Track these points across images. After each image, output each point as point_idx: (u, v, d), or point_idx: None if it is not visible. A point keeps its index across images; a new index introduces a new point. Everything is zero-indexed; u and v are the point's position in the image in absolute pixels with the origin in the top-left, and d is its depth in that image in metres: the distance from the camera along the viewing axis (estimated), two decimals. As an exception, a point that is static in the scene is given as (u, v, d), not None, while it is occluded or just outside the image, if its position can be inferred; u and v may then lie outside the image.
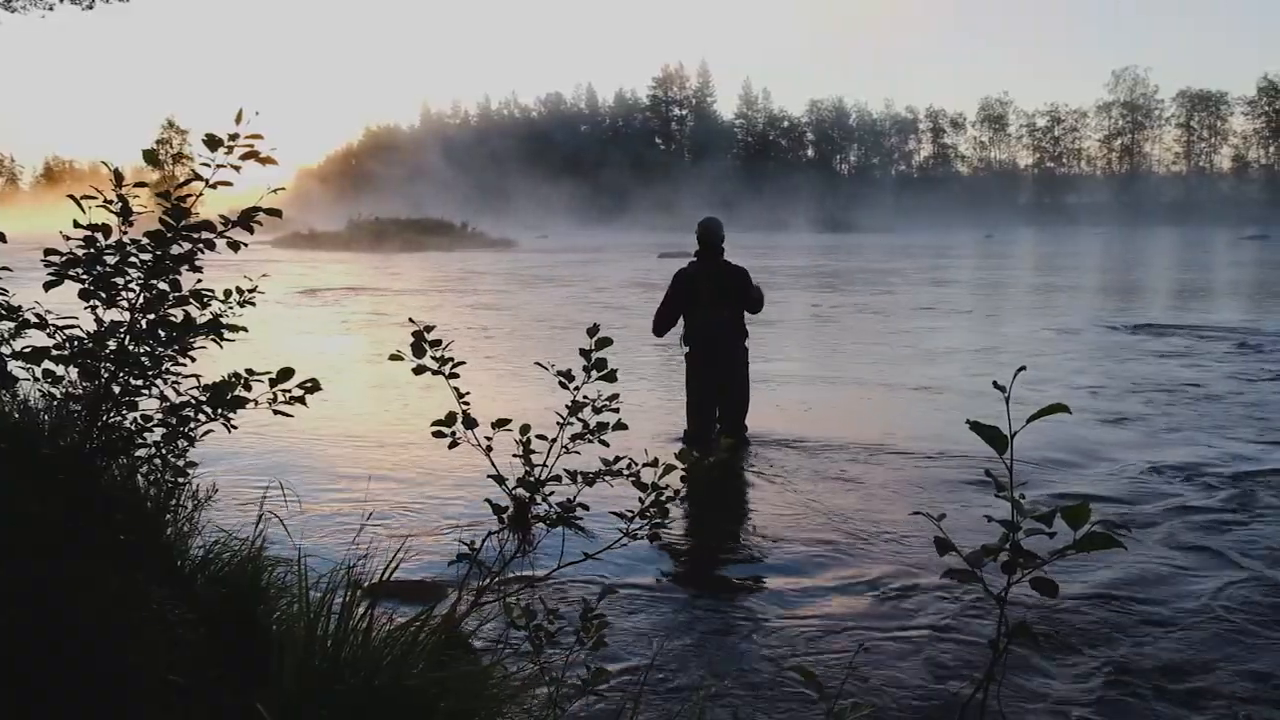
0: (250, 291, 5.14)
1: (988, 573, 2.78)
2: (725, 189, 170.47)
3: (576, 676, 4.37)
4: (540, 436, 4.41)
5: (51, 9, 20.28)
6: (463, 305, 32.95)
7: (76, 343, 4.56)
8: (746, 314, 12.09)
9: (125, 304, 4.59)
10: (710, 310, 11.81)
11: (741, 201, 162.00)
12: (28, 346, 4.60)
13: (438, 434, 4.51)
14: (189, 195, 4.54)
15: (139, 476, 5.24)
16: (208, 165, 4.36)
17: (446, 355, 4.50)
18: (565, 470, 4.43)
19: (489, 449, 4.40)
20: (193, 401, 4.86)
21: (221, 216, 4.59)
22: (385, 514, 8.67)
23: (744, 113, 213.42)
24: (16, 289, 5.06)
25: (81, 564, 3.73)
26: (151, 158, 5.22)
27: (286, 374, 4.73)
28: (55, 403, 5.11)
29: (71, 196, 4.41)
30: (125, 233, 4.54)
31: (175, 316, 4.66)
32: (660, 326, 12.15)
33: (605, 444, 4.41)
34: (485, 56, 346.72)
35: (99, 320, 4.59)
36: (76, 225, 4.47)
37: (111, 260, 4.51)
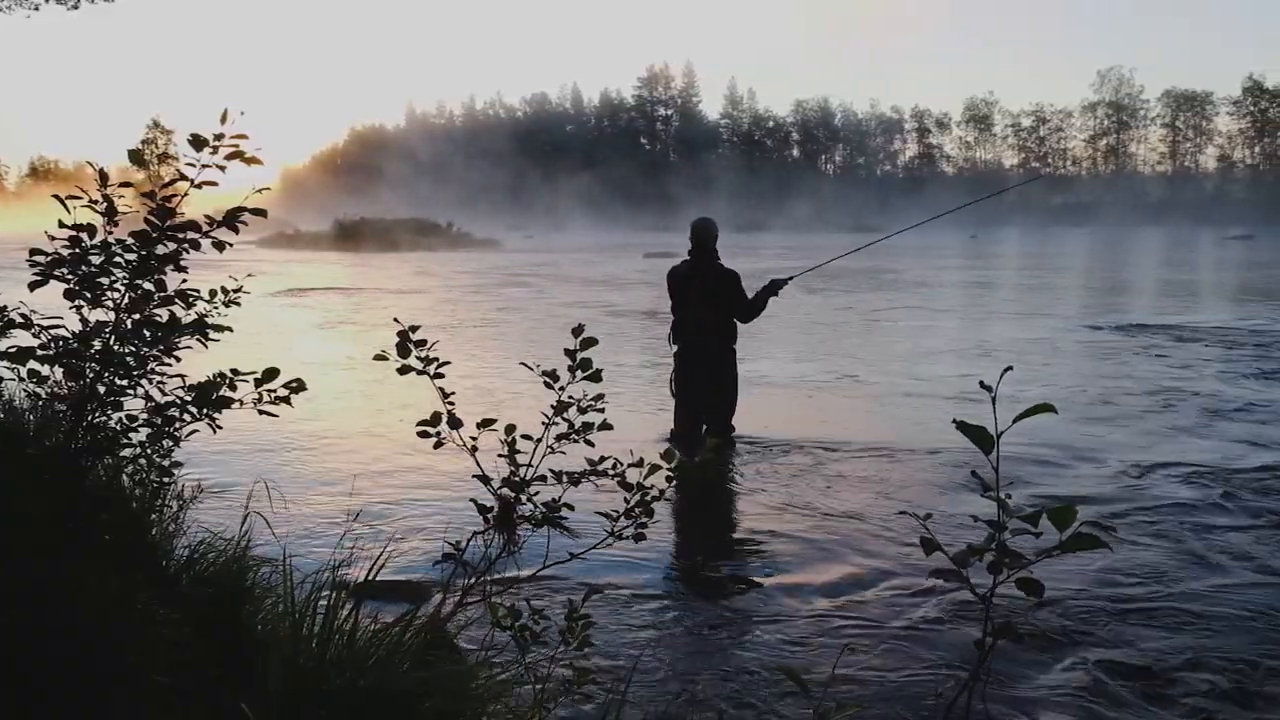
0: (235, 291, 5.13)
1: (974, 572, 2.78)
2: (712, 189, 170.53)
3: (562, 676, 4.38)
4: (526, 436, 4.41)
5: (37, 9, 20.22)
6: (449, 304, 32.91)
7: (61, 343, 4.55)
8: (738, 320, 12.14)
9: (110, 304, 4.58)
10: (698, 310, 11.87)
11: (730, 201, 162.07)
12: (13, 346, 4.59)
13: (423, 434, 4.51)
14: (174, 195, 4.53)
15: (124, 477, 5.23)
16: (193, 165, 4.35)
17: (431, 355, 4.50)
18: (550, 470, 4.43)
19: (474, 449, 4.40)
20: (178, 401, 4.85)
21: (207, 216, 4.58)
22: (370, 514, 8.65)
23: (729, 113, 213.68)
24: (1, 289, 5.06)
25: (80, 564, 3.73)
26: (136, 158, 5.22)
27: (271, 374, 4.73)
28: (40, 403, 5.10)
29: (56, 196, 4.40)
30: (110, 233, 4.54)
31: (160, 316, 4.66)
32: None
33: (590, 444, 4.42)
34: (471, 57, 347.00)
35: (84, 320, 4.59)
36: (61, 225, 4.46)
37: (96, 260, 4.50)
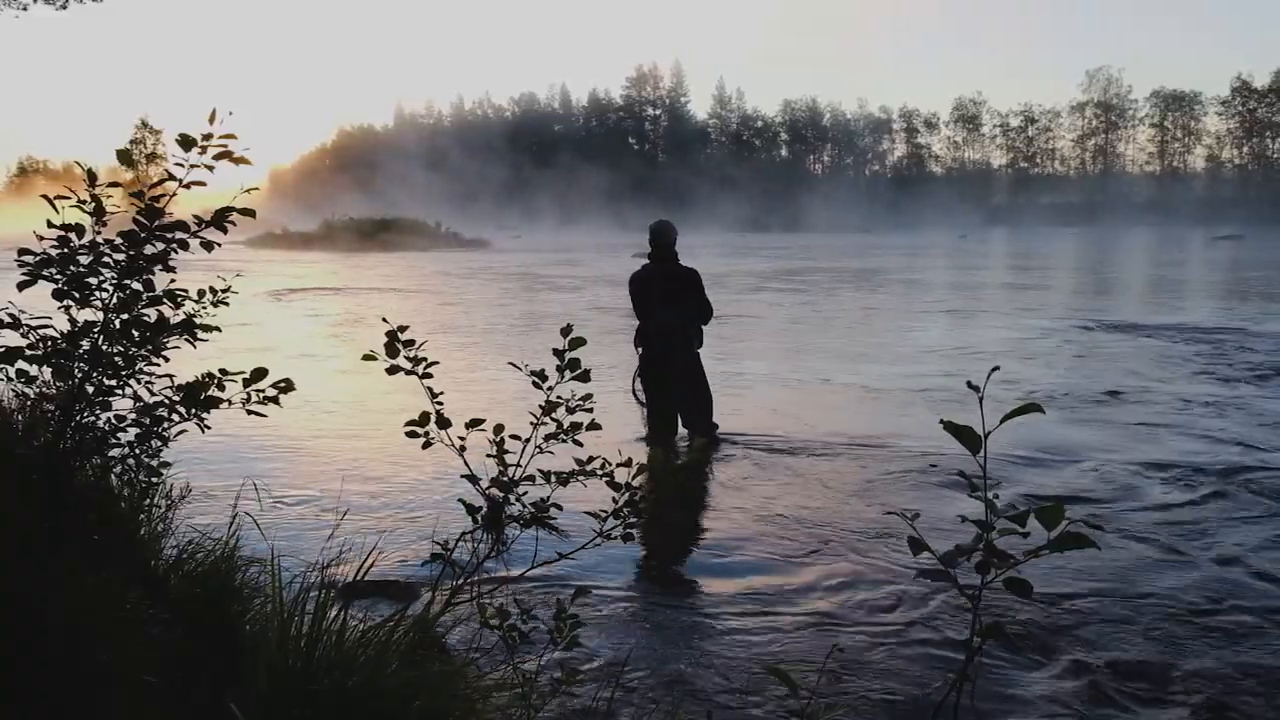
0: (224, 291, 5.12)
1: (962, 573, 2.79)
2: (699, 188, 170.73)
3: (550, 676, 4.38)
4: (514, 436, 4.41)
5: (25, 9, 20.20)
6: (437, 305, 32.89)
7: (50, 343, 4.54)
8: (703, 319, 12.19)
9: (99, 304, 4.57)
10: (659, 311, 11.92)
11: (717, 201, 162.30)
12: (1, 347, 4.58)
13: (411, 434, 4.51)
14: (162, 195, 4.53)
15: (112, 476, 5.23)
16: (181, 165, 4.35)
17: (420, 355, 4.50)
18: (539, 470, 4.43)
19: (463, 449, 4.40)
20: (166, 401, 4.85)
21: (195, 216, 4.58)
22: (359, 514, 8.65)
23: (718, 112, 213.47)
24: (-10, 289, 5.04)
25: (69, 564, 3.73)
26: (125, 158, 5.23)
27: (260, 374, 4.73)
28: (29, 403, 5.10)
29: (45, 196, 4.40)
30: (99, 233, 4.53)
31: (149, 316, 4.65)
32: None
33: (579, 444, 4.42)
34: (459, 56, 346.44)
35: (73, 320, 4.58)
36: (50, 225, 4.45)
37: (85, 260, 4.50)
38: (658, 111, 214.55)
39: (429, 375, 4.49)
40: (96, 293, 4.58)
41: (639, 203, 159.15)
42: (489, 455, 4.39)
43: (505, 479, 4.38)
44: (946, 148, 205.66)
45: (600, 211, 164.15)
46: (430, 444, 4.49)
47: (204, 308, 4.98)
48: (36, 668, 3.26)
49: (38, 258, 4.48)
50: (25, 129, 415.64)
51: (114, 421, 4.86)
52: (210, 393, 4.81)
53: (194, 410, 4.85)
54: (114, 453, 5.03)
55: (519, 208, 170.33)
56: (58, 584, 3.58)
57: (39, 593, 3.50)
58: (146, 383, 4.86)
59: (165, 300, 4.71)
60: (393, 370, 4.49)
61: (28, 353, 4.54)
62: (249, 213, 4.61)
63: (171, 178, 4.42)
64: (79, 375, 4.60)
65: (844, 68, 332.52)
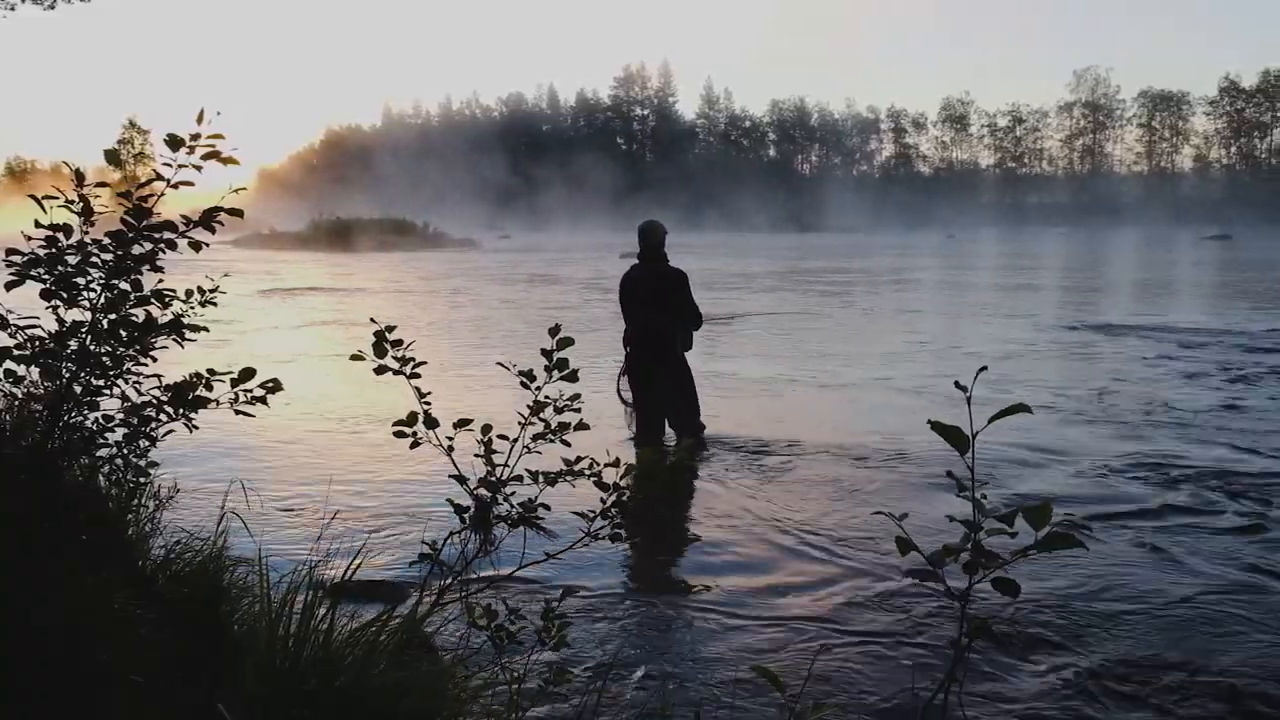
0: (212, 291, 5.11)
1: (950, 573, 2.79)
2: (688, 188, 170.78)
3: (538, 676, 4.37)
4: (502, 436, 4.40)
5: (13, 9, 20.13)
6: (428, 305, 32.86)
7: (38, 342, 4.53)
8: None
9: (87, 304, 4.56)
10: (648, 311, 11.95)
11: (706, 201, 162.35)
12: (-12, 346, 4.57)
13: (399, 434, 4.50)
14: (150, 195, 4.51)
15: (100, 477, 5.22)
16: (169, 165, 4.33)
17: (408, 355, 4.49)
18: (527, 470, 4.42)
19: (451, 449, 4.40)
20: (154, 401, 4.84)
21: (183, 216, 4.56)
22: (347, 514, 8.64)
23: (705, 112, 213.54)
24: (-22, 289, 5.03)
25: (57, 564, 3.72)
26: (113, 158, 5.22)
27: (248, 374, 4.72)
28: (16, 403, 5.09)
29: (33, 196, 4.38)
30: (87, 233, 4.52)
31: (137, 316, 4.64)
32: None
33: (567, 444, 4.41)
34: (447, 57, 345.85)
35: (60, 320, 4.57)
36: (38, 225, 4.44)
37: (73, 260, 4.48)
38: (645, 111, 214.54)
39: (417, 375, 4.48)
40: (84, 293, 4.57)
41: (628, 202, 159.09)
42: (477, 455, 4.38)
43: (493, 479, 4.37)
44: (934, 148, 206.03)
45: (590, 211, 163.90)
46: (418, 444, 4.48)
47: (191, 307, 4.97)
48: (36, 668, 3.25)
49: (26, 257, 4.47)
50: (13, 129, 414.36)
51: (102, 421, 4.85)
52: (198, 393, 4.80)
53: (182, 410, 4.84)
54: (102, 453, 5.01)
55: (507, 207, 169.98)
56: (57, 584, 3.58)
57: (39, 593, 3.50)
58: (134, 383, 4.85)
59: (153, 300, 4.70)
60: (380, 370, 4.48)
61: (15, 352, 4.53)
62: (237, 213, 4.61)
63: (159, 178, 4.41)
64: (67, 375, 4.58)
65: (833, 68, 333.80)
